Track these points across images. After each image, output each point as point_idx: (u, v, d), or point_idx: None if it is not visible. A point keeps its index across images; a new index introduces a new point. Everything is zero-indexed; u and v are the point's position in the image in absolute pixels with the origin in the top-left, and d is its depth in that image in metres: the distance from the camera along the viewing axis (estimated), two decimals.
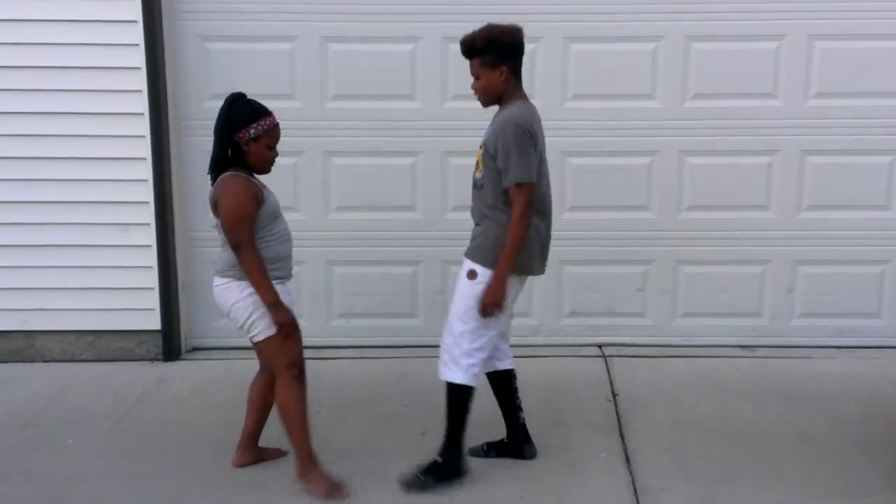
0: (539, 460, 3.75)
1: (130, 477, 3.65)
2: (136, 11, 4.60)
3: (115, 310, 4.89)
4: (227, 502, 3.45)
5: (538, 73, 4.81)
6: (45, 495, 3.50)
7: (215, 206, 3.39)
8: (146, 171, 4.75)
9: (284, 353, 3.45)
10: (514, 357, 4.53)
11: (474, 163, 3.58)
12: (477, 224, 3.56)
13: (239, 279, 3.38)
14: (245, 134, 3.35)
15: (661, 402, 4.34)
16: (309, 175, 4.96)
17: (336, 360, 4.92)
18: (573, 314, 5.09)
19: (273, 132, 3.42)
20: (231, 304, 3.41)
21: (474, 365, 3.51)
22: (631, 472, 3.63)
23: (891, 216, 4.96)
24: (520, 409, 3.77)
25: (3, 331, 4.92)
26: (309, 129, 4.86)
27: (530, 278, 3.63)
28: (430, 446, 3.86)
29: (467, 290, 3.49)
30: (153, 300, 4.88)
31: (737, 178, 4.94)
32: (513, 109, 3.45)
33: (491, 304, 3.40)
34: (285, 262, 3.51)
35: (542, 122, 3.52)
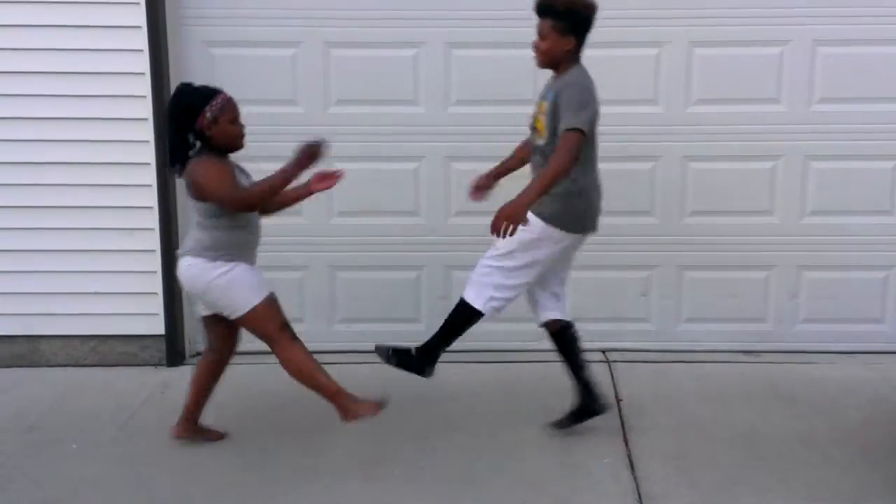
0: (543, 464, 3.74)
1: (134, 481, 3.65)
2: (140, 17, 4.61)
3: (119, 314, 4.90)
4: None
5: (541, 77, 4.80)
6: (49, 499, 3.50)
7: (196, 190, 3.42)
8: (150, 176, 4.76)
9: (272, 318, 3.55)
10: (516, 362, 4.56)
11: (531, 129, 3.73)
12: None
13: (214, 259, 3.46)
14: (203, 119, 3.38)
15: (664, 407, 4.33)
16: (308, 180, 4.95)
17: (338, 364, 4.89)
18: (576, 319, 5.02)
19: (229, 106, 3.46)
20: (206, 282, 3.48)
21: (495, 299, 3.70)
22: (635, 478, 3.63)
23: (894, 221, 4.95)
24: (582, 365, 3.84)
25: (8, 335, 4.93)
26: (311, 134, 4.86)
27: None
28: (429, 451, 3.87)
29: (517, 233, 3.52)
30: (157, 305, 4.89)
31: (740, 184, 4.94)
32: (574, 73, 3.59)
33: (501, 218, 3.42)
34: (243, 250, 3.55)
35: None
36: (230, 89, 4.79)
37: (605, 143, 4.84)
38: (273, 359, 4.74)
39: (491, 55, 4.83)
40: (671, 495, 3.49)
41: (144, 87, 4.68)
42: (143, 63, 4.65)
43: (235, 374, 4.71)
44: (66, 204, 4.80)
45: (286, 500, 3.49)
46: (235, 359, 4.91)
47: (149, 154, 4.73)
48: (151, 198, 4.78)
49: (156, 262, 4.84)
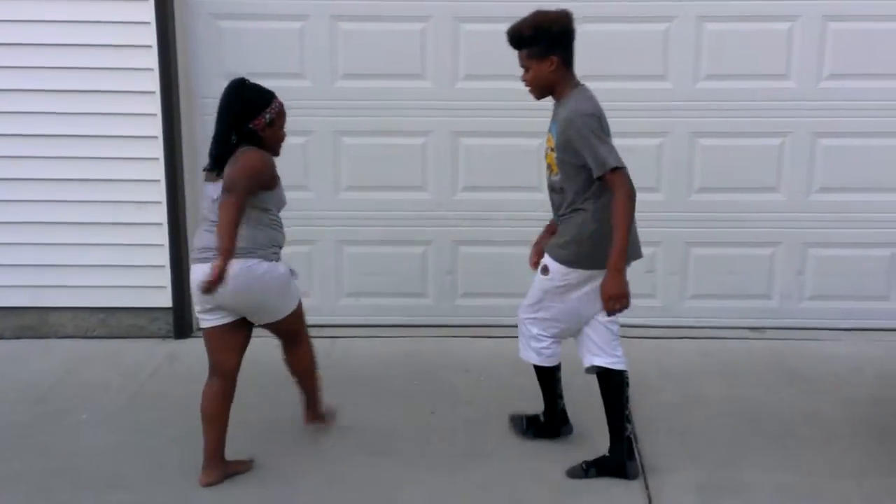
0: (547, 441, 3.76)
1: (143, 451, 3.69)
2: None
3: (127, 287, 4.93)
4: (239, 478, 3.49)
5: None
6: (60, 469, 3.55)
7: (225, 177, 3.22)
8: (157, 150, 4.76)
9: (303, 318, 3.58)
10: None
11: (545, 166, 3.50)
12: (558, 223, 3.47)
13: (265, 258, 3.29)
14: (261, 120, 3.30)
15: (669, 382, 4.35)
16: (319, 155, 4.97)
17: (345, 338, 4.95)
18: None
19: (283, 113, 3.40)
20: (263, 284, 3.29)
21: (553, 346, 3.58)
22: (639, 452, 3.65)
23: None
24: (560, 396, 3.77)
25: (17, 307, 4.96)
26: (319, 108, 4.86)
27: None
28: (438, 425, 3.90)
29: (538, 283, 3.49)
30: (165, 278, 4.91)
31: (748, 160, 4.93)
32: (572, 102, 3.32)
33: (613, 298, 3.24)
34: (279, 248, 3.42)
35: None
36: (237, 63, 4.83)
37: (612, 119, 4.84)
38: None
39: (499, 29, 4.74)
40: (675, 469, 3.52)
41: (152, 59, 4.67)
42: (150, 36, 4.64)
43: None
44: (73, 177, 4.81)
45: (293, 473, 3.52)
46: None
47: (156, 127, 4.73)
48: (159, 171, 4.78)
49: (163, 236, 4.86)
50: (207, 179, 3.34)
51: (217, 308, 3.32)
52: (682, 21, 4.80)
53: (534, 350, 3.58)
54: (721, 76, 4.84)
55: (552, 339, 3.56)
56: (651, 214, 4.98)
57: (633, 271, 5.00)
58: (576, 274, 3.37)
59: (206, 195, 3.33)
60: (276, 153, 3.41)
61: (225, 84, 4.95)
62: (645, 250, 4.99)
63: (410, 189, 5.01)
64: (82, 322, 4.99)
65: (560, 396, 3.76)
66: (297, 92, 4.82)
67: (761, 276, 5.06)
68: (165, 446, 3.73)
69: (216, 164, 3.29)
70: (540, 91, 3.42)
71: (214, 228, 3.21)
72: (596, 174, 3.24)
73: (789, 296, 5.08)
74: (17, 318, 4.97)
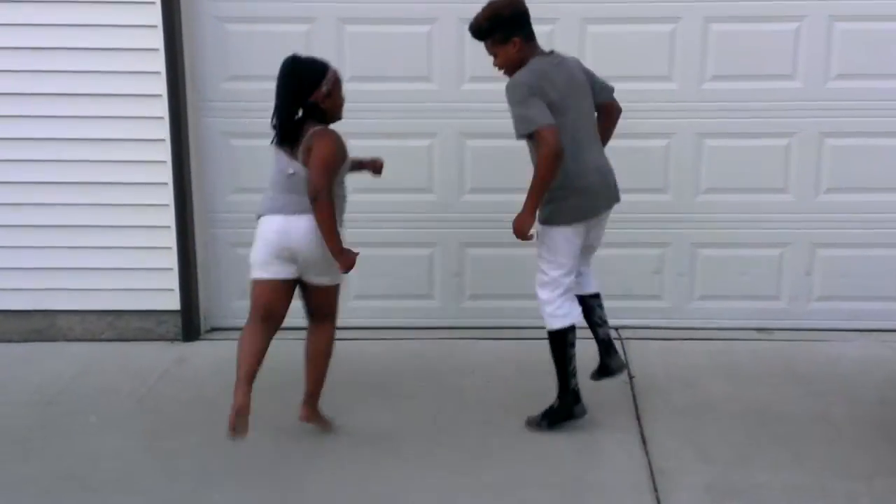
0: (556, 441, 3.77)
1: (152, 455, 3.70)
2: None
3: (135, 290, 4.94)
4: (248, 480, 3.49)
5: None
6: (68, 472, 3.56)
7: (307, 155, 3.48)
8: (165, 153, 4.77)
9: (340, 299, 3.78)
10: (531, 339, 4.58)
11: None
12: None
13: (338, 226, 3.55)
14: (319, 93, 3.50)
15: (677, 384, 4.34)
16: None
17: (351, 340, 4.94)
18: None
19: (339, 80, 3.60)
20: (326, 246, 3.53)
21: (563, 305, 3.77)
22: (647, 454, 3.65)
23: None
24: (599, 324, 3.98)
25: (26, 310, 4.98)
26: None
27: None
28: (444, 427, 3.89)
29: (541, 240, 3.79)
30: (173, 280, 4.92)
31: (755, 161, 4.92)
32: (518, 75, 3.61)
33: (514, 231, 3.64)
34: (342, 216, 3.70)
35: None
36: (244, 66, 4.85)
37: (619, 120, 4.84)
38: (285, 334, 4.78)
39: None
40: (684, 471, 3.51)
41: (159, 63, 4.68)
42: (157, 39, 4.66)
43: None
44: (80, 180, 4.82)
45: (303, 474, 3.53)
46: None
47: (164, 130, 4.75)
48: (166, 174, 4.79)
49: (171, 239, 4.87)
50: (279, 151, 3.57)
51: (288, 260, 3.56)
52: (689, 22, 4.80)
53: (549, 315, 3.79)
54: (727, 77, 4.84)
55: (562, 298, 3.77)
56: (658, 215, 5.00)
57: (641, 272, 5.06)
58: (558, 230, 3.71)
59: (279, 168, 3.56)
60: (340, 117, 3.64)
61: (231, 87, 5.01)
62: (652, 251, 5.09)
63: (417, 191, 5.02)
64: (90, 325, 5.00)
65: (599, 324, 3.99)
66: None
67: (769, 277, 5.05)
68: (174, 449, 3.74)
69: (284, 140, 3.54)
70: (512, 69, 3.67)
71: (284, 195, 3.53)
72: (517, 136, 3.61)
73: (797, 297, 5.07)
74: (25, 322, 4.99)
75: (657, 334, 4.96)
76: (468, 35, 4.78)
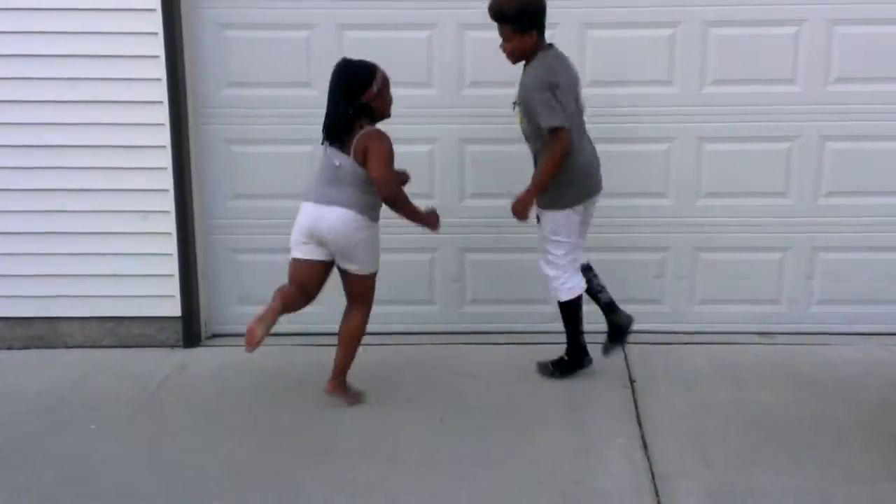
0: (556, 446, 3.77)
1: (152, 461, 3.70)
2: (155, 0, 4.62)
3: (136, 296, 4.94)
4: (248, 486, 3.49)
5: None
6: (68, 479, 3.55)
7: (363, 155, 3.80)
8: (166, 159, 4.78)
9: (374, 291, 4.06)
10: (531, 343, 4.63)
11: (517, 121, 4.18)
12: (535, 166, 4.17)
13: (372, 220, 3.91)
14: (370, 92, 3.81)
15: (678, 388, 4.34)
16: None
17: None
18: (590, 301, 5.08)
19: (387, 80, 3.90)
20: (360, 236, 3.88)
21: (570, 280, 4.23)
22: (648, 458, 3.64)
23: None
24: (598, 290, 4.40)
25: (27, 317, 4.97)
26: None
27: None
28: (444, 432, 3.89)
29: (539, 231, 4.23)
30: (173, 287, 4.92)
31: (755, 165, 4.92)
32: (533, 68, 4.00)
33: (514, 212, 4.09)
34: (378, 209, 3.99)
35: None
36: (244, 72, 4.87)
37: (619, 125, 4.87)
38: (287, 340, 4.80)
39: None
40: (685, 475, 3.50)
41: (159, 69, 4.69)
42: (157, 46, 4.66)
43: (248, 356, 4.75)
44: (81, 187, 4.82)
45: (303, 480, 3.52)
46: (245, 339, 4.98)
47: (165, 137, 4.75)
48: (167, 181, 4.80)
49: (172, 245, 4.87)
50: (328, 147, 3.90)
51: (319, 244, 3.89)
52: (689, 26, 4.80)
53: (557, 289, 4.24)
54: (728, 81, 4.84)
55: (567, 274, 4.21)
56: (659, 219, 5.00)
57: (642, 276, 5.05)
58: (554, 213, 4.12)
59: (328, 161, 3.89)
60: (388, 115, 3.96)
61: (231, 94, 5.03)
62: (653, 255, 5.09)
63: (417, 196, 4.93)
64: (91, 332, 5.00)
65: (601, 290, 4.41)
66: (303, 101, 4.84)
67: (770, 280, 5.05)
68: (174, 456, 3.73)
69: (335, 137, 3.85)
70: (517, 58, 4.06)
71: (337, 187, 3.85)
72: (542, 128, 3.96)
73: (798, 300, 5.06)
74: (26, 329, 4.99)
75: (658, 338, 4.95)
76: (468, 40, 4.84)
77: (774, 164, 4.92)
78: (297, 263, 3.98)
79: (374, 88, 3.82)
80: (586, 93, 4.83)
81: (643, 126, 4.87)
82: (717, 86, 4.85)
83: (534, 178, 4.08)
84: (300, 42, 4.86)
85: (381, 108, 3.90)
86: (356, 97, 3.80)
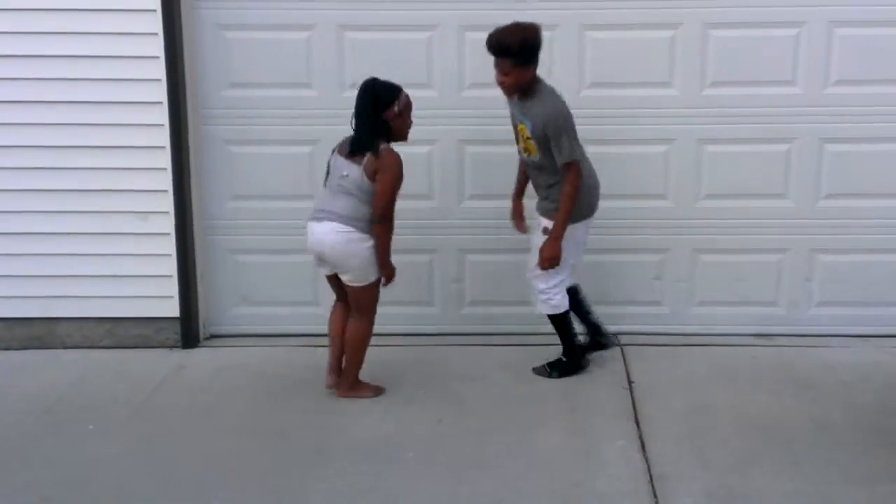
0: (555, 447, 3.76)
1: (150, 462, 3.69)
2: (155, 0, 4.62)
3: (134, 297, 4.93)
4: (245, 487, 3.49)
5: (555, 61, 4.79)
6: (66, 480, 3.55)
7: (373, 173, 3.93)
8: (165, 160, 4.78)
9: (375, 300, 4.16)
10: (530, 346, 4.61)
11: (521, 148, 4.27)
12: (544, 191, 4.25)
13: (363, 232, 3.98)
14: (391, 112, 3.94)
15: (677, 390, 4.34)
16: (325, 164, 4.96)
17: None
18: (591, 302, 5.09)
19: (410, 104, 4.02)
20: (354, 249, 3.98)
21: (556, 297, 4.33)
22: (647, 460, 3.64)
23: None
24: (588, 311, 4.57)
25: (25, 318, 4.97)
26: (326, 117, 4.86)
27: None
28: (443, 434, 3.89)
29: (538, 243, 4.22)
30: (172, 288, 4.92)
31: (755, 167, 4.91)
32: (547, 101, 4.06)
33: (549, 259, 4.14)
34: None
35: None
36: (244, 73, 4.86)
37: (619, 126, 4.87)
38: (286, 341, 4.80)
39: None
40: (683, 477, 3.50)
41: (159, 70, 4.69)
42: (157, 47, 4.66)
43: (247, 357, 4.76)
44: (80, 187, 4.82)
45: (301, 482, 3.52)
46: (247, 341, 4.98)
47: (164, 137, 4.75)
48: (166, 181, 4.80)
49: (171, 246, 4.86)
50: (341, 154, 4.04)
51: (321, 259, 4.09)
52: (688, 28, 4.80)
53: (543, 303, 4.35)
54: (727, 83, 4.84)
55: (556, 289, 4.30)
56: (658, 221, 5.00)
57: (641, 278, 5.05)
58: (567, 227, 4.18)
59: (336, 170, 4.03)
60: (405, 138, 4.08)
61: (231, 95, 5.04)
62: (652, 257, 5.09)
63: (417, 197, 4.99)
64: (89, 332, 5.00)
65: (589, 312, 4.59)
66: (303, 101, 4.85)
67: (769, 282, 5.05)
68: (172, 457, 3.73)
69: (358, 150, 3.97)
70: (516, 91, 4.13)
71: (337, 197, 3.99)
72: (558, 162, 4.07)
73: (797, 302, 5.06)
74: (24, 329, 4.99)
75: (657, 340, 4.95)
76: (468, 41, 4.84)
77: (774, 165, 4.92)
78: (327, 278, 4.23)
79: (396, 109, 3.95)
80: (586, 94, 4.87)
81: (643, 128, 4.87)
82: (716, 87, 4.85)
83: (557, 217, 4.12)
84: (300, 43, 4.86)
85: (399, 128, 4.01)
86: (378, 114, 3.93)
